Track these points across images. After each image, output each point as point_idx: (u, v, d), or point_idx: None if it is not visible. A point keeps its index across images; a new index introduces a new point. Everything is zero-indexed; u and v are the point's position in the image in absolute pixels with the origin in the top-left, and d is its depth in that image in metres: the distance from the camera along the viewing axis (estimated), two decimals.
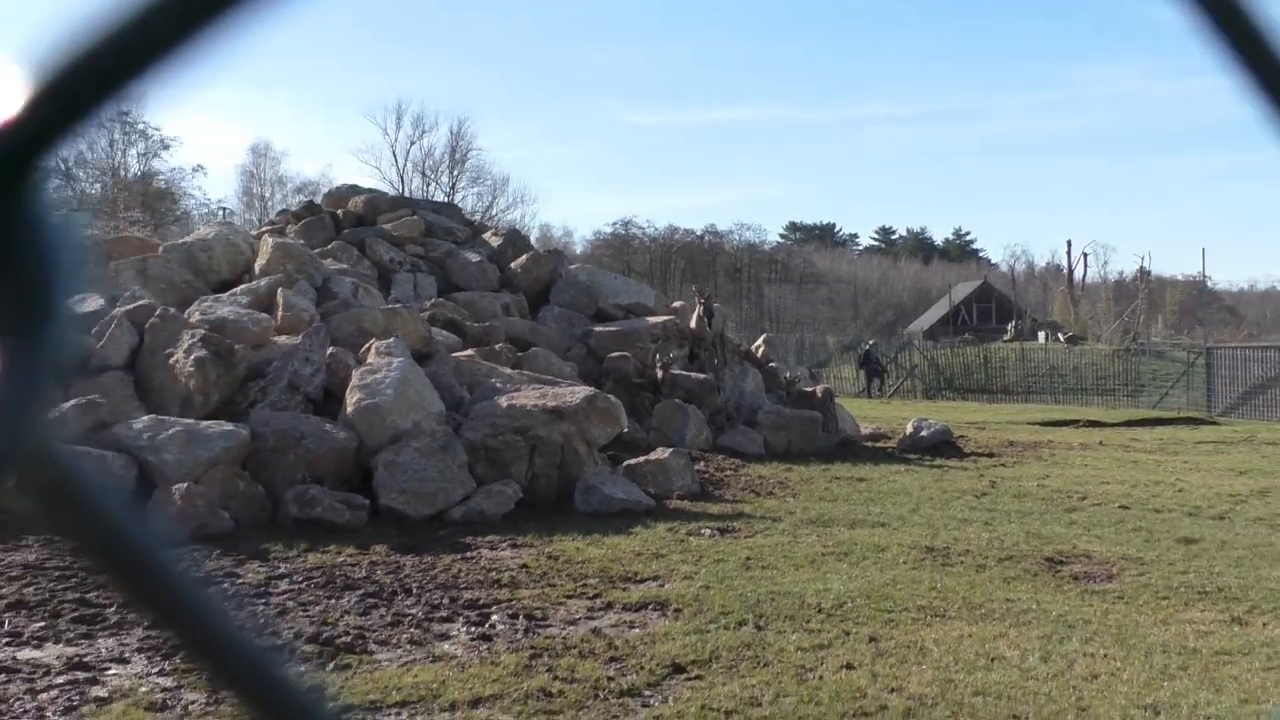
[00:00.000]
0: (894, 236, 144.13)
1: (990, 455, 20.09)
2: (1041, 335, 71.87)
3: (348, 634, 7.82)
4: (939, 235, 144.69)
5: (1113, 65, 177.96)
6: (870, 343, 50.87)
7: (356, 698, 6.56)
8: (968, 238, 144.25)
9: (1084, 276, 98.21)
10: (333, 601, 8.73)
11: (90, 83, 0.37)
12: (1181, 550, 11.20)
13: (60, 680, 6.87)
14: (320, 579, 9.43)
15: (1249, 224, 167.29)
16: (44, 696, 6.57)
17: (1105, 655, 7.51)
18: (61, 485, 0.40)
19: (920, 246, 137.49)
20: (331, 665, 7.20)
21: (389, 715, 6.33)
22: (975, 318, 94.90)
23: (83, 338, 13.83)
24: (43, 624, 8.03)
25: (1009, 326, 79.87)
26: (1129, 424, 28.60)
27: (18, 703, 6.46)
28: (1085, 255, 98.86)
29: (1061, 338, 68.02)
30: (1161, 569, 10.22)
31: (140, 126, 60.91)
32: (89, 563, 0.41)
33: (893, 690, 6.70)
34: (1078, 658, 7.45)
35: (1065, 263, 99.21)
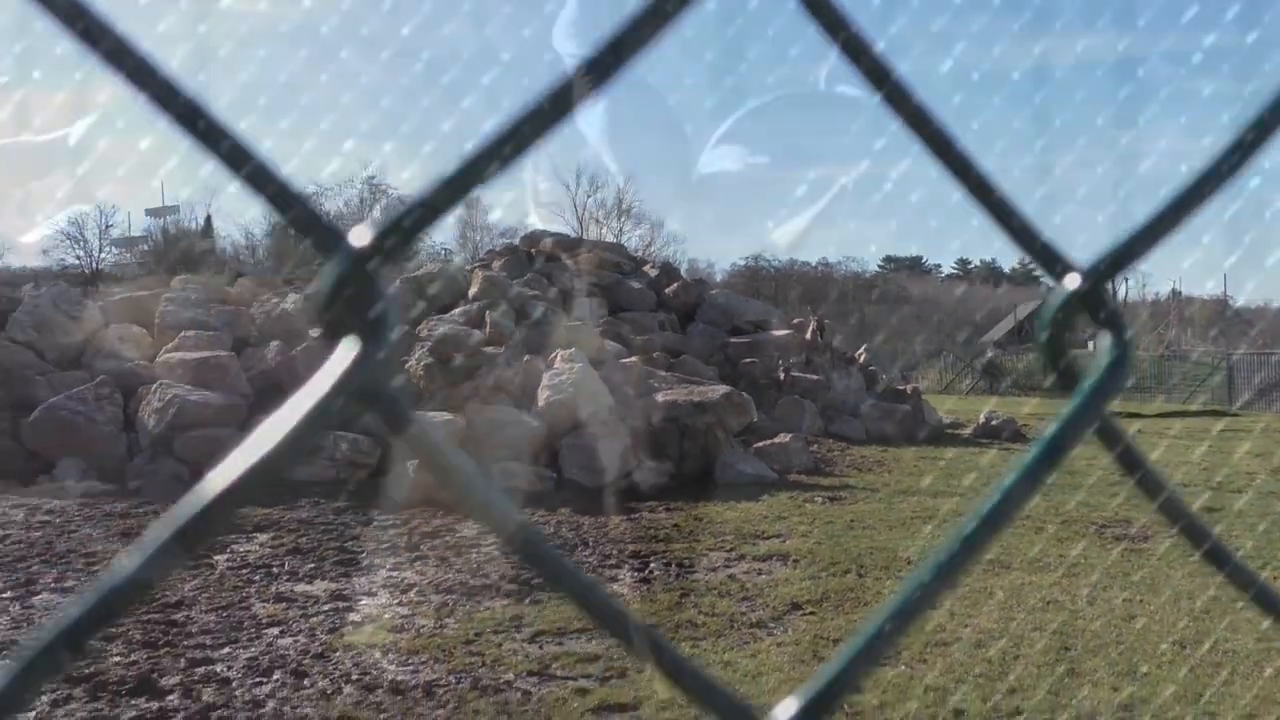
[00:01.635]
0: (970, 266, 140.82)
1: None
2: (1090, 345, 69.85)
3: (539, 577, 7.95)
4: (1007, 264, 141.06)
5: (1144, 120, 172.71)
6: (992, 352, 50.04)
7: (547, 625, 6.67)
8: (1030, 266, 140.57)
9: (1125, 296, 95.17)
10: None
11: (430, 210, 0.43)
12: (1205, 517, 10.76)
13: (325, 608, 7.11)
14: None
15: (1267, 250, 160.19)
16: (314, 620, 6.81)
17: (1142, 601, 7.31)
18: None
19: (991, 274, 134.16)
20: (528, 600, 7.33)
21: (572, 638, 6.43)
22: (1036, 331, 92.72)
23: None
24: (313, 565, 8.31)
25: None
26: (1162, 415, 27.51)
27: (295, 624, 6.72)
28: (1126, 280, 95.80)
29: None
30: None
31: (383, 187, 62.35)
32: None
33: (966, 625, 6.61)
34: (1119, 603, 7.26)
35: (1110, 286, 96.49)
